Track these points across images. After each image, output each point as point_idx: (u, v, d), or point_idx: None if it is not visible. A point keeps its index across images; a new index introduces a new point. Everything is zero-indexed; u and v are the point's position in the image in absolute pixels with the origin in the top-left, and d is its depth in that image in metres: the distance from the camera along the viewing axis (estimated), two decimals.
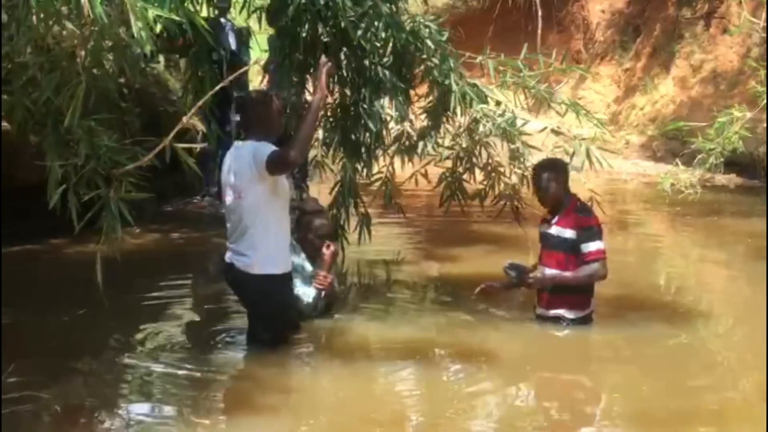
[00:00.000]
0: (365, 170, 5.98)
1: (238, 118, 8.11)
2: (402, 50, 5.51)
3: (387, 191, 6.17)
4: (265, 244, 4.49)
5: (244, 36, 8.83)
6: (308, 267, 5.17)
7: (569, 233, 5.04)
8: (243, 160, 4.47)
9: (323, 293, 5.14)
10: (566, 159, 5.47)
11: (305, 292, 5.08)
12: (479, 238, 7.69)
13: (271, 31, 6.14)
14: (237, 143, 4.63)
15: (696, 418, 4.14)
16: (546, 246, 5.15)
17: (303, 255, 5.18)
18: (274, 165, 4.36)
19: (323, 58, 4.63)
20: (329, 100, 5.88)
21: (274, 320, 4.62)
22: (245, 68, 7.24)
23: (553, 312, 5.11)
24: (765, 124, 8.10)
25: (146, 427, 3.93)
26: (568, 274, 5.04)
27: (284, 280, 4.63)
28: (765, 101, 7.46)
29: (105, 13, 3.76)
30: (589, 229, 5.05)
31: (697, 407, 4.26)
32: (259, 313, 4.64)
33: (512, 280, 5.11)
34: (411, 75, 5.74)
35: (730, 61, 13.44)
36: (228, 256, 4.61)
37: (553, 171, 5.13)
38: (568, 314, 5.08)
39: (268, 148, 4.40)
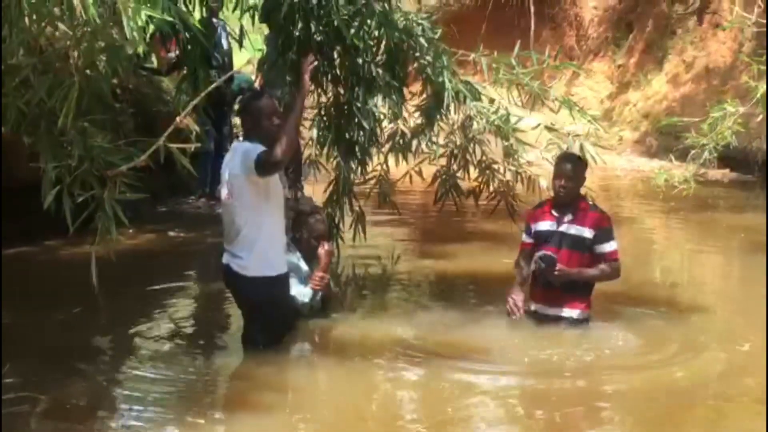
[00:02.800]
0: (360, 169, 5.98)
1: (237, 119, 8.12)
2: (395, 48, 5.52)
3: (381, 189, 6.18)
4: (258, 246, 4.47)
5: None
6: (304, 267, 5.16)
7: (588, 232, 4.95)
8: (237, 161, 4.48)
9: (319, 293, 5.14)
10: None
11: (301, 292, 5.07)
12: (474, 235, 7.70)
13: (265, 30, 6.14)
14: (236, 143, 4.63)
15: (696, 414, 4.15)
16: (559, 244, 4.99)
17: (298, 255, 5.18)
18: (261, 166, 4.36)
19: (309, 57, 4.59)
20: (323, 99, 5.89)
21: (270, 322, 4.60)
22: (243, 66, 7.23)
23: (564, 311, 5.03)
24: (758, 119, 8.12)
25: (142, 427, 3.93)
26: (589, 271, 4.98)
27: (280, 282, 4.61)
28: (757, 95, 7.47)
29: (98, 14, 3.76)
30: (606, 228, 4.99)
31: (696, 403, 4.27)
32: (255, 314, 4.62)
33: (540, 270, 4.96)
34: (404, 73, 5.75)
35: (723, 57, 13.48)
36: (224, 258, 4.61)
37: (580, 166, 5.06)
38: (578, 312, 5.04)
39: (258, 150, 4.41)
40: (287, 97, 5.53)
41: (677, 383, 4.49)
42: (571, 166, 5.01)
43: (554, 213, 5.06)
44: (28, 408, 3.95)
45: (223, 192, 4.57)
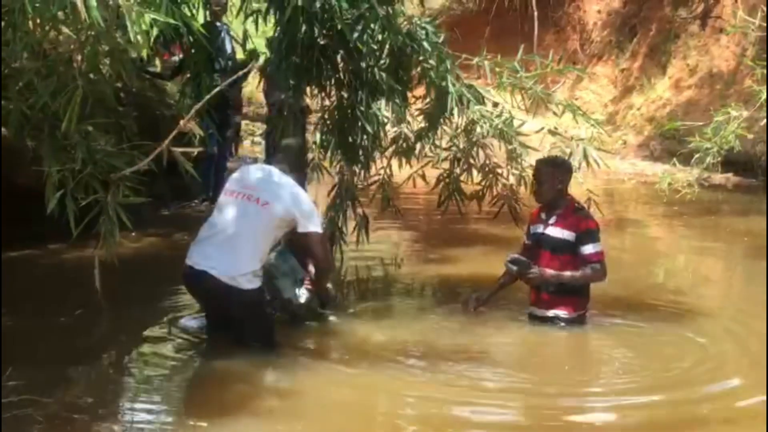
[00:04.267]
0: (363, 172, 5.98)
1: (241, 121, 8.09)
2: (398, 52, 5.51)
3: (385, 193, 6.18)
4: (252, 261, 4.50)
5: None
6: (299, 269, 5.16)
7: (568, 234, 5.01)
8: (283, 190, 4.57)
9: (315, 294, 5.13)
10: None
11: (297, 294, 5.07)
12: (477, 239, 7.69)
13: (268, 34, 6.14)
14: (265, 166, 4.78)
15: (696, 418, 4.14)
16: (542, 247, 5.09)
17: (293, 258, 5.17)
18: (309, 243, 4.61)
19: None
20: (326, 102, 5.89)
21: (259, 330, 4.64)
22: (246, 70, 7.22)
23: (551, 312, 5.09)
24: (761, 123, 8.11)
25: (144, 431, 3.93)
26: (568, 273, 5.01)
27: (262, 292, 4.70)
28: (761, 100, 7.47)
29: (101, 18, 3.76)
30: (589, 230, 5.03)
31: (697, 407, 4.26)
32: (243, 325, 4.64)
33: (512, 273, 5.09)
34: (408, 77, 5.73)
35: (726, 61, 13.48)
36: (197, 256, 4.57)
37: (554, 167, 5.10)
38: (565, 314, 5.07)
39: (315, 219, 4.59)
40: (290, 101, 5.54)
41: (679, 383, 4.49)
42: (542, 168, 5.10)
43: (542, 215, 5.14)
44: (30, 411, 3.95)
45: (243, 192, 4.58)
